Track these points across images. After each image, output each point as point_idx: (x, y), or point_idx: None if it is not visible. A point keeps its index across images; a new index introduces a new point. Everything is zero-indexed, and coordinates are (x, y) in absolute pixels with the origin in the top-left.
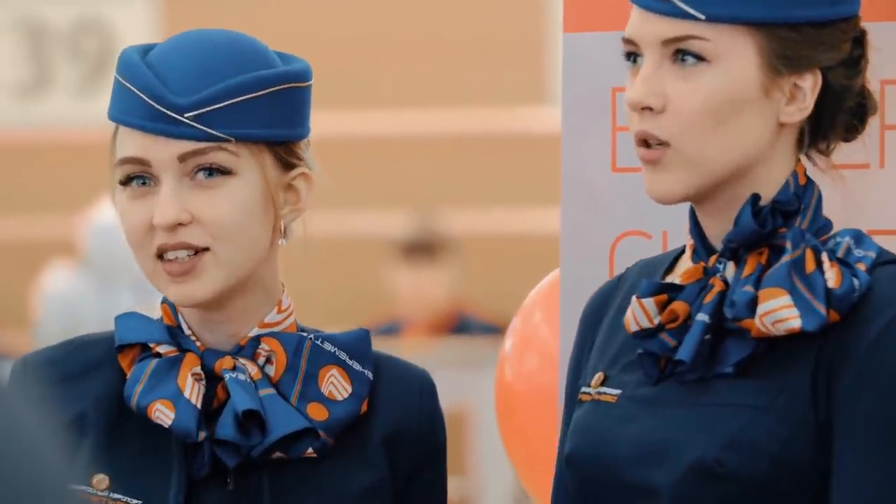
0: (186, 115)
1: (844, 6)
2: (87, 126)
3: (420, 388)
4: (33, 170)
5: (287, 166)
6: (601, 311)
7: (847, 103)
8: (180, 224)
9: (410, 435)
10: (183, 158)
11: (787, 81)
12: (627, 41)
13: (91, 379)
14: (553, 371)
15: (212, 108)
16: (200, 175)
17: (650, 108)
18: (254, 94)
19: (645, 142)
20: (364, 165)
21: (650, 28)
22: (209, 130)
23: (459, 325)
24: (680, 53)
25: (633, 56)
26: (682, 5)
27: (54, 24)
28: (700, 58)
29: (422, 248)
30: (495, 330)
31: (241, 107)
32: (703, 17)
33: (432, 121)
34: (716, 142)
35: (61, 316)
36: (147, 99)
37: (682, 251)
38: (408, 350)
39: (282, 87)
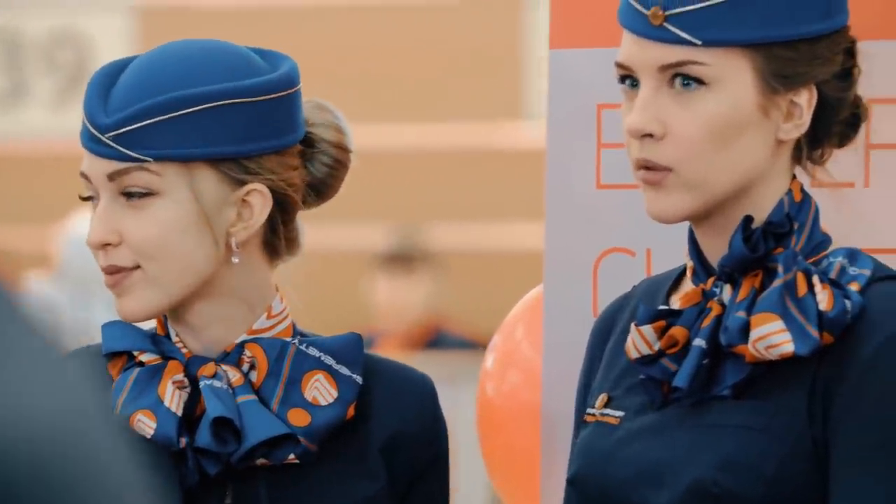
0: (107, 135)
1: (836, 18)
2: (62, 138)
3: (421, 393)
4: (8, 181)
5: (237, 182)
6: (608, 330)
7: (842, 115)
8: (109, 244)
9: (410, 441)
10: (112, 178)
11: (783, 99)
12: (621, 66)
13: None
14: (535, 388)
15: (128, 128)
16: (128, 194)
17: (650, 135)
18: (179, 113)
19: (645, 166)
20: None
21: (646, 54)
22: (126, 151)
23: (436, 340)
24: (678, 78)
25: (627, 79)
26: (679, 31)
27: (31, 35)
28: (699, 82)
29: (401, 261)
30: (473, 345)
31: (162, 126)
32: (699, 42)
33: (415, 135)
34: (717, 165)
35: None
36: (84, 118)
37: (685, 270)
38: None
39: (222, 102)
